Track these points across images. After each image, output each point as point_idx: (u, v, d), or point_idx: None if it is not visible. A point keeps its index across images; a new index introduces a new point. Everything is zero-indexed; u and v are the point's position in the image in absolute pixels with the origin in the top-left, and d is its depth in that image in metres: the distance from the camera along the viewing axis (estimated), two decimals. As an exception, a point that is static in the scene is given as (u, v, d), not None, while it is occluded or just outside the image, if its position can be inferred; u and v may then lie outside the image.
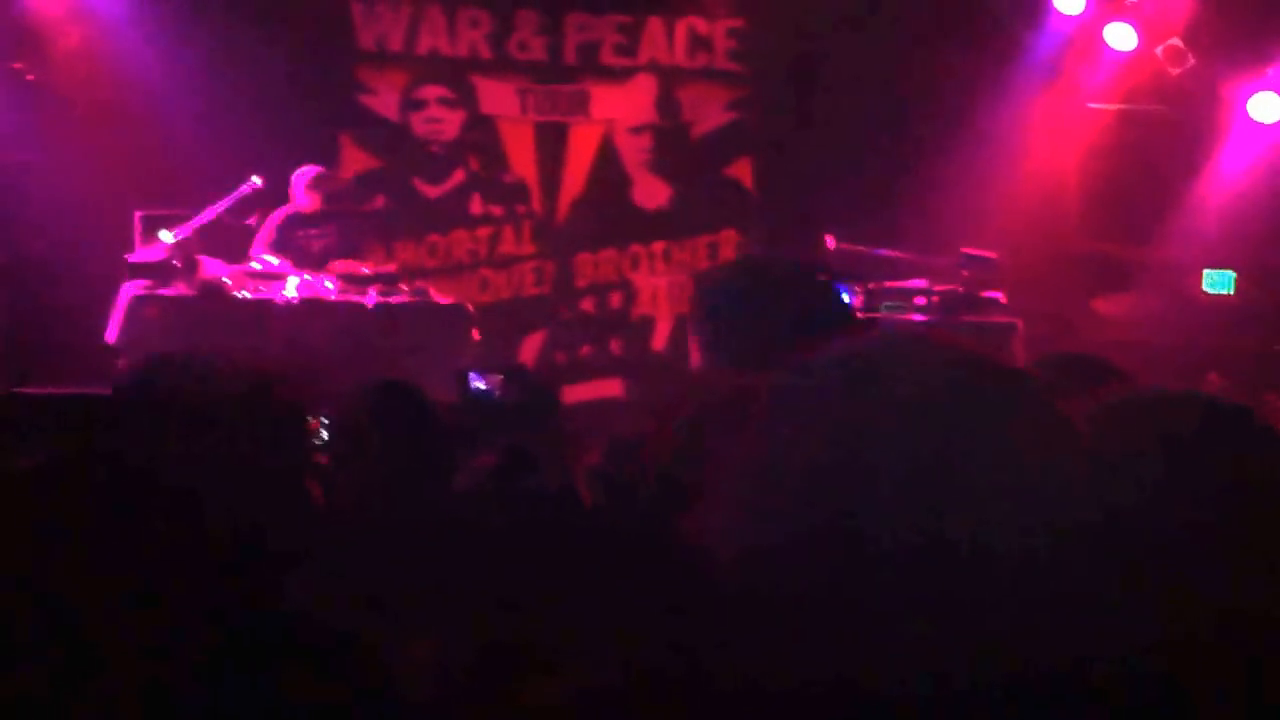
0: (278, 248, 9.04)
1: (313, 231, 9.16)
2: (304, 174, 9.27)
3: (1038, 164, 10.42)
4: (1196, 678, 1.73)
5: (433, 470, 3.97)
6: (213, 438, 2.95)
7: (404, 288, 9.06)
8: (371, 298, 8.85)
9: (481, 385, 8.85)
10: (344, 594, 2.46)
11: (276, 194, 9.22)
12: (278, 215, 9.22)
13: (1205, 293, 10.03)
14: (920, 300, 9.13)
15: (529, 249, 10.99)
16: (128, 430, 3.02)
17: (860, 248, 9.59)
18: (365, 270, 9.03)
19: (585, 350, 10.99)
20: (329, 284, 8.83)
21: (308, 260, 8.95)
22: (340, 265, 8.94)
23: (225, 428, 3.02)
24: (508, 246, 10.96)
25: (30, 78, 9.87)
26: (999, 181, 10.12)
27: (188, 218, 8.89)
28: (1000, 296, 9.21)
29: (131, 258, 8.75)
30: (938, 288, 9.31)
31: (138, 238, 8.80)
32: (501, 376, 8.66)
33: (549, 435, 6.17)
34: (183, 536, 2.27)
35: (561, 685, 2.14)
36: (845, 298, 9.13)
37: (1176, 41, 9.99)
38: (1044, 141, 10.56)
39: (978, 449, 1.51)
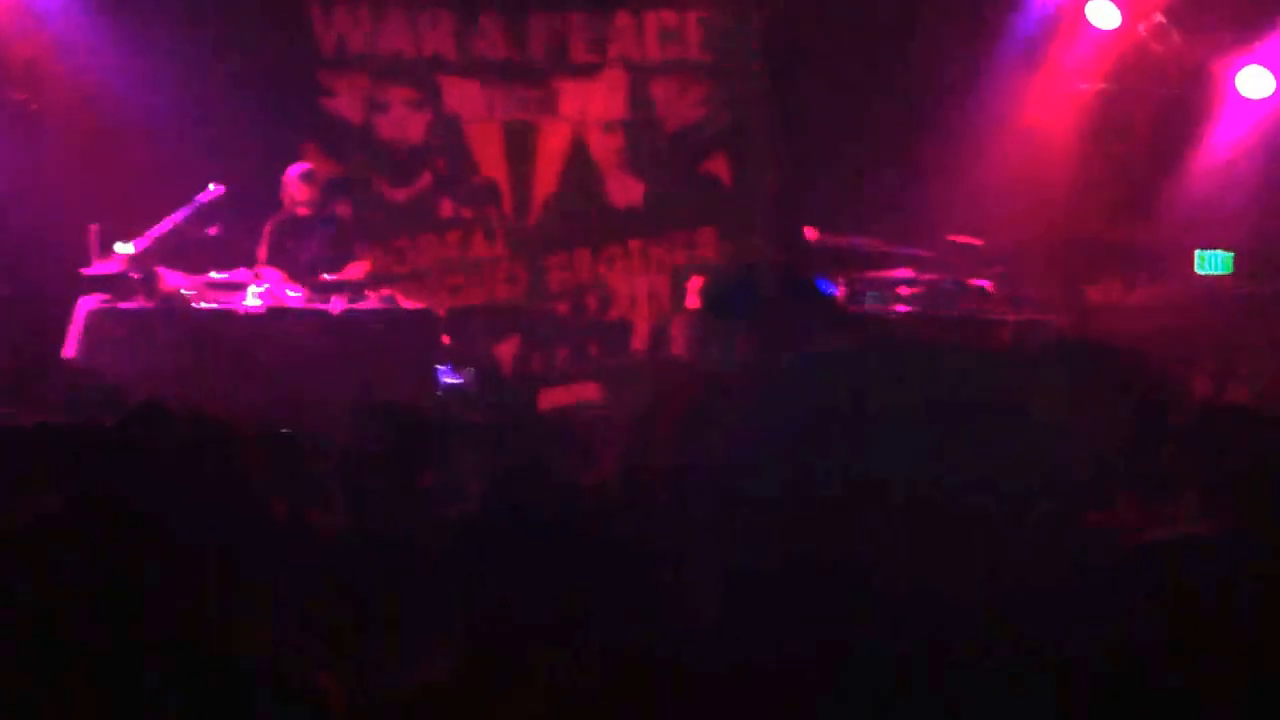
0: (272, 258, 8.80)
1: (302, 239, 8.92)
2: (294, 170, 9.05)
3: (1023, 147, 10.20)
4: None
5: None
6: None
7: (370, 294, 8.80)
8: (337, 305, 8.58)
9: (453, 380, 8.66)
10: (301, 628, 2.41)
11: (239, 203, 8.94)
12: (270, 223, 8.98)
13: (1199, 274, 9.81)
14: (905, 291, 8.89)
15: (501, 251, 10.73)
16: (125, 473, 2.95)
17: (842, 239, 9.36)
18: (328, 277, 8.76)
19: (561, 353, 10.73)
20: (292, 292, 8.56)
21: (298, 269, 8.70)
22: (339, 272, 8.73)
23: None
24: (479, 250, 10.70)
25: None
26: (983, 167, 9.89)
27: (146, 229, 8.61)
28: (988, 285, 8.97)
29: (87, 271, 8.46)
30: (923, 277, 9.07)
31: (94, 251, 8.49)
32: (473, 369, 8.46)
33: (526, 426, 5.95)
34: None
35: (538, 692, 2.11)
36: (828, 295, 8.98)
37: (1160, 17, 9.77)
38: (1028, 124, 10.33)
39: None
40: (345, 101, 10.55)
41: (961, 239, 9.16)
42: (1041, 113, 10.27)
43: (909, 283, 8.98)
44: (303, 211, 9.00)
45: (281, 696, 2.12)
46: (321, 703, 2.17)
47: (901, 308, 8.84)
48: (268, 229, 9.00)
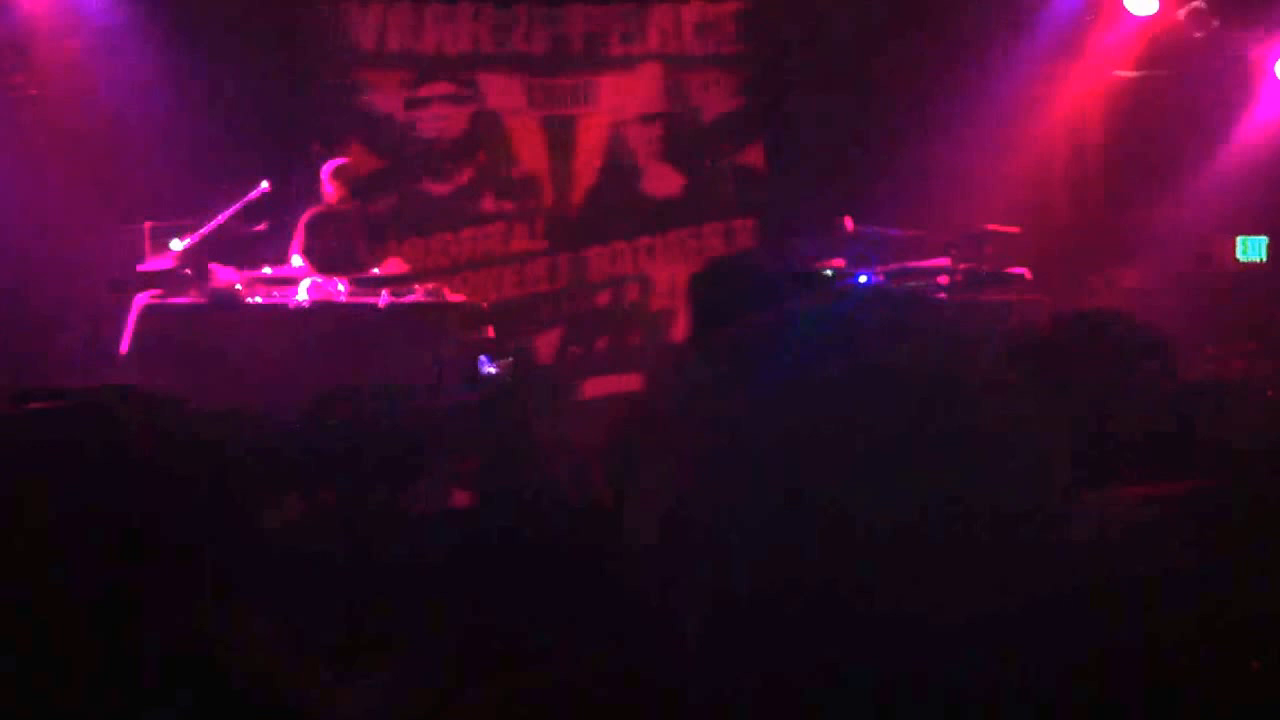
0: (306, 250, 8.94)
1: (338, 231, 9.05)
2: (328, 166, 9.20)
3: (1060, 134, 10.25)
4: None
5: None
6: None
7: (416, 288, 8.92)
8: (384, 299, 8.71)
9: (492, 370, 8.78)
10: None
11: (284, 199, 9.09)
12: (305, 215, 9.12)
13: (1237, 260, 9.83)
14: (943, 280, 8.96)
15: (541, 244, 10.85)
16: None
17: (878, 228, 9.42)
18: (376, 270, 8.90)
19: (602, 344, 10.84)
20: (341, 287, 8.70)
21: (335, 261, 8.83)
22: (386, 265, 8.85)
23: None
24: (520, 242, 10.82)
25: (32, 92, 9.75)
26: (1020, 154, 9.96)
27: (196, 226, 8.76)
28: (1025, 272, 9.03)
29: (142, 267, 8.62)
30: (960, 266, 9.13)
31: (147, 248, 8.65)
32: (510, 359, 8.57)
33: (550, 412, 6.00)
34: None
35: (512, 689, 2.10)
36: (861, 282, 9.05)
37: (1199, 3, 9.78)
38: (1065, 111, 10.38)
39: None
40: (386, 97, 10.66)
41: (998, 227, 9.21)
42: (1077, 99, 10.32)
43: (946, 271, 9.05)
44: (335, 206, 9.14)
45: (269, 710, 2.10)
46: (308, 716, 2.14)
47: (940, 295, 8.89)
48: (302, 222, 9.14)
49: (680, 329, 10.85)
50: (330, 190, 9.15)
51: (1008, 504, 1.61)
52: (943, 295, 8.86)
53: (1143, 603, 1.78)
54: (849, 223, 9.38)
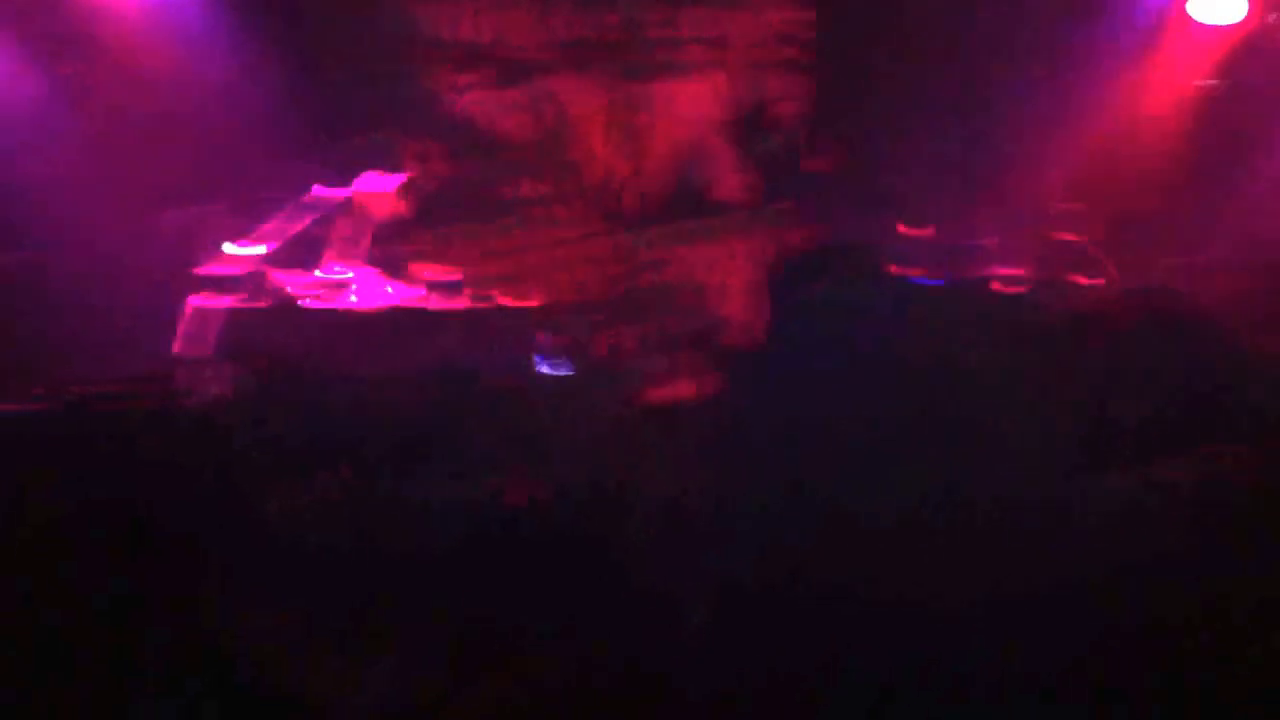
0: (361, 255, 9.04)
1: (394, 237, 9.15)
2: (389, 181, 9.27)
3: (1132, 136, 10.05)
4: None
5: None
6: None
7: (468, 290, 8.98)
8: (435, 301, 8.78)
9: (548, 369, 8.79)
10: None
11: (336, 202, 9.19)
12: (359, 222, 9.21)
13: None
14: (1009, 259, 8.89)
15: (602, 243, 10.83)
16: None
17: (945, 230, 9.33)
18: (429, 276, 8.98)
19: (655, 334, 10.78)
20: (390, 290, 8.79)
21: (390, 266, 8.93)
22: (427, 270, 8.92)
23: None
24: (574, 230, 10.76)
25: (87, 81, 9.88)
26: (1089, 154, 9.78)
27: (252, 229, 8.90)
28: (1090, 279, 8.89)
29: (198, 270, 8.77)
30: (1027, 270, 9.01)
31: (204, 250, 8.81)
32: (565, 350, 8.58)
33: (607, 408, 6.00)
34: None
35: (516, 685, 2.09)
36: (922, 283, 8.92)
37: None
38: (1137, 113, 10.16)
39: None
40: (442, 88, 10.66)
41: (1065, 206, 9.10)
42: (1150, 103, 10.11)
43: (1012, 277, 8.93)
44: (381, 212, 9.21)
45: (276, 700, 2.11)
46: (315, 707, 2.16)
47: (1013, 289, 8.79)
48: (341, 227, 9.19)
49: (735, 317, 10.76)
50: (392, 204, 9.22)
51: (1008, 490, 1.65)
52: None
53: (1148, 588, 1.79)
54: (911, 224, 9.30)
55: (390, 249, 9.03)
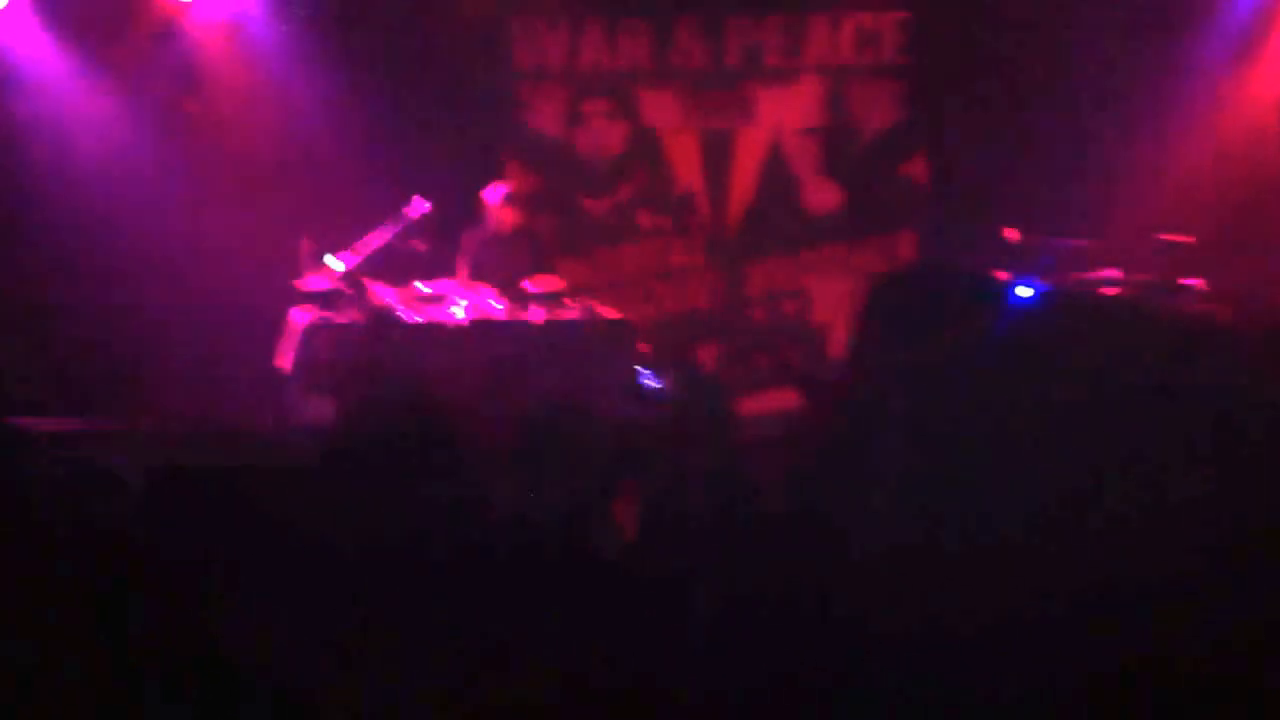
0: (475, 271, 8.98)
1: (501, 254, 9.09)
2: (495, 190, 9.22)
3: (1234, 145, 9.87)
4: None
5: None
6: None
7: (570, 304, 8.91)
8: (539, 315, 8.71)
9: (655, 384, 8.71)
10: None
11: (444, 219, 9.15)
12: (470, 238, 9.16)
13: None
14: (1113, 291, 8.67)
15: (699, 260, 10.78)
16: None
17: (1046, 239, 9.16)
18: (530, 287, 8.90)
19: (760, 361, 10.73)
20: (495, 304, 8.72)
21: (498, 283, 8.86)
22: (538, 282, 8.86)
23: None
24: (677, 258, 10.76)
25: (202, 118, 9.99)
26: (1193, 165, 9.61)
27: (354, 244, 8.86)
28: (1199, 284, 8.70)
29: (301, 285, 8.74)
30: (1132, 278, 8.84)
31: (305, 265, 8.77)
32: (672, 371, 8.50)
33: (720, 429, 5.92)
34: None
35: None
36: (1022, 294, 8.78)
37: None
38: (1237, 121, 9.99)
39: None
40: (544, 115, 10.71)
41: (1172, 237, 8.89)
42: (1255, 109, 9.94)
43: (1117, 283, 8.76)
44: (504, 230, 9.17)
45: (278, 706, 2.07)
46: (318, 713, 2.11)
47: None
48: (467, 244, 9.18)
49: (839, 344, 10.68)
50: (503, 217, 9.17)
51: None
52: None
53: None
54: (1014, 234, 9.14)
55: (506, 270, 8.97)
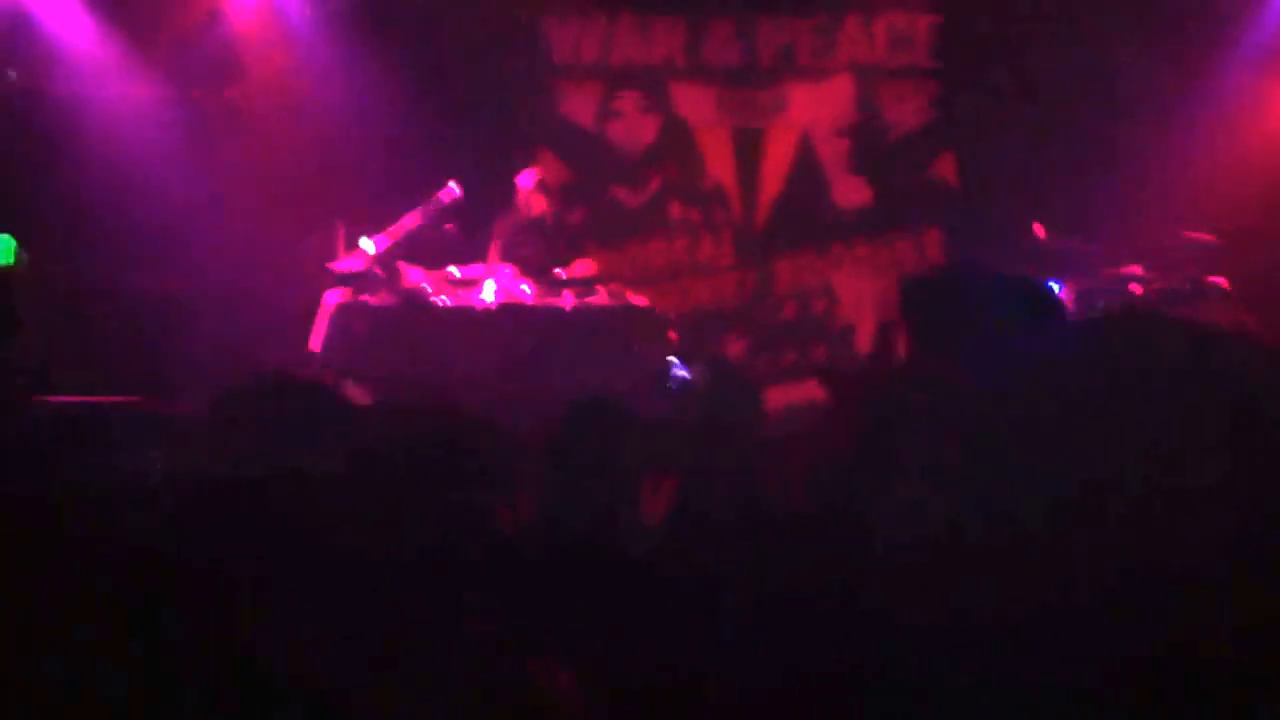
0: (505, 255, 9.08)
1: (531, 241, 9.17)
2: (526, 177, 9.33)
3: (1261, 147, 9.90)
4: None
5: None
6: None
7: (601, 289, 8.99)
8: (569, 300, 8.80)
9: (684, 374, 8.77)
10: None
11: (475, 204, 9.25)
12: (501, 224, 9.26)
13: None
14: (1137, 289, 8.72)
15: (728, 255, 10.85)
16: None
17: (1071, 239, 9.21)
18: (560, 272, 8.99)
19: (787, 356, 10.79)
20: (526, 288, 8.81)
21: (528, 269, 8.95)
22: (570, 268, 8.94)
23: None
24: (706, 253, 10.84)
25: (242, 105, 10.12)
26: (1220, 166, 9.64)
27: (387, 227, 8.97)
28: (1223, 283, 8.74)
29: (334, 266, 8.86)
30: (1155, 275, 8.89)
31: (340, 248, 8.90)
32: (703, 365, 8.57)
33: (747, 424, 5.98)
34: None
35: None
36: (1054, 293, 8.82)
37: None
38: (1269, 125, 10.03)
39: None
40: (578, 107, 10.81)
41: (1197, 235, 8.94)
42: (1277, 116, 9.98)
43: (1141, 280, 8.81)
44: (535, 215, 9.26)
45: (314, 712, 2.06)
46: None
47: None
48: (499, 230, 9.27)
49: (866, 341, 10.74)
50: (533, 204, 9.26)
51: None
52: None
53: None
54: (1041, 231, 9.19)
55: (536, 256, 9.06)
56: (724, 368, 9.91)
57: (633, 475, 3.97)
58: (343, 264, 8.84)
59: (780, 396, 10.33)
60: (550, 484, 3.74)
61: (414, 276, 8.80)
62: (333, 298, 8.82)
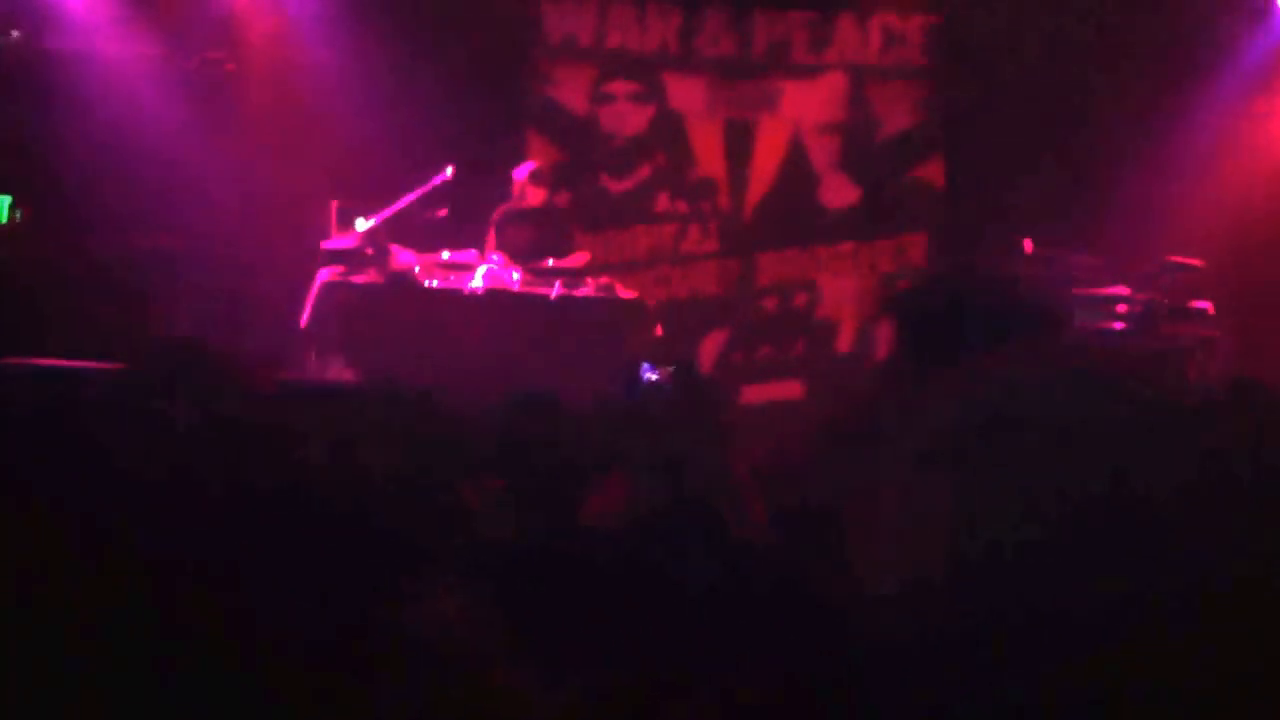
0: (501, 244, 9.07)
1: (527, 230, 9.17)
2: (524, 168, 9.31)
3: (1251, 169, 9.99)
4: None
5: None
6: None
7: (588, 281, 9.01)
8: (555, 289, 8.81)
9: (653, 376, 8.79)
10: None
11: (467, 186, 9.24)
12: (498, 213, 9.25)
13: None
14: (1121, 308, 8.80)
15: (713, 247, 10.88)
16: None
17: (1058, 252, 9.29)
18: (551, 261, 8.99)
19: (765, 351, 10.84)
20: (515, 275, 8.82)
21: (522, 258, 8.94)
22: (563, 259, 8.94)
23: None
24: (691, 244, 10.86)
25: (229, 68, 10.05)
26: (1208, 186, 9.72)
27: (381, 207, 8.94)
28: (1207, 307, 8.84)
29: (326, 244, 8.83)
30: (1139, 296, 8.97)
31: (334, 226, 8.87)
32: (672, 368, 8.58)
33: (714, 430, 6.00)
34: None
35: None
36: (1058, 310, 8.88)
37: None
38: (1265, 146, 10.11)
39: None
40: (570, 92, 10.78)
41: (1181, 259, 9.03)
42: (1273, 134, 10.06)
43: (1125, 300, 8.89)
44: (530, 206, 9.26)
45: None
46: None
47: (1116, 325, 8.76)
48: (495, 219, 9.26)
49: (845, 340, 10.80)
50: (530, 196, 9.26)
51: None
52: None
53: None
54: (1028, 245, 9.26)
55: (533, 245, 9.06)
56: (692, 377, 9.95)
57: (581, 471, 3.98)
58: (334, 242, 8.81)
59: (757, 394, 10.40)
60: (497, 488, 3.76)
61: (404, 258, 8.79)
62: (323, 275, 8.79)
